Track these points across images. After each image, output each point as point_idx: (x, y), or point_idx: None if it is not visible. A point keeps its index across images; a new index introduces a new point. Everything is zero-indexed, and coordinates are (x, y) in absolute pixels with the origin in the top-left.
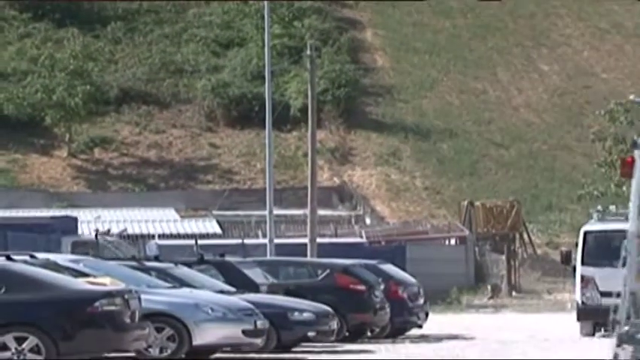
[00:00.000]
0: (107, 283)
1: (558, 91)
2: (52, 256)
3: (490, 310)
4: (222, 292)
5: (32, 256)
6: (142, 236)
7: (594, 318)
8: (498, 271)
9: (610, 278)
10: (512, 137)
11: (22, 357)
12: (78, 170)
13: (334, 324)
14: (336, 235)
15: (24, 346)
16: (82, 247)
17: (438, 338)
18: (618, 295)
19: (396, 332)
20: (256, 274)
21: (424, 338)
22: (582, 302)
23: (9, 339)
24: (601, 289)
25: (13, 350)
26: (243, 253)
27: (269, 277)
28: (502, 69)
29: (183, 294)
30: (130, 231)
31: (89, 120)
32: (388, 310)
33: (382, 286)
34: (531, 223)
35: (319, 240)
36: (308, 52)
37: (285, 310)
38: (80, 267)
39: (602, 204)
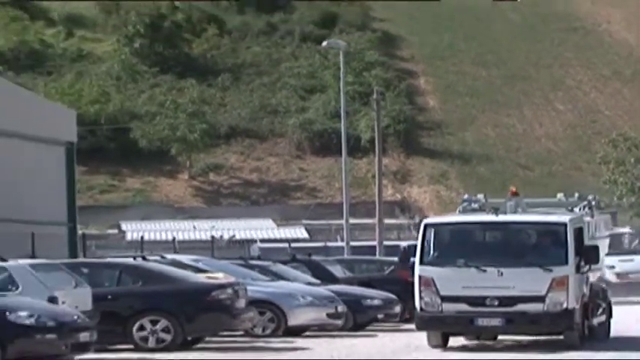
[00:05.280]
0: (221, 277)
1: (571, 125)
2: (178, 257)
3: None
4: (310, 284)
5: (162, 257)
6: (247, 241)
7: (434, 327)
8: None
9: (452, 280)
10: (535, 161)
11: (155, 335)
12: (196, 190)
13: (398, 308)
14: (398, 239)
15: (157, 327)
16: None
17: None
18: (460, 299)
19: None
20: (336, 270)
21: None
22: (421, 308)
23: (145, 321)
24: (442, 292)
25: (149, 330)
26: (326, 254)
27: (346, 272)
28: (527, 108)
29: (280, 285)
30: (237, 237)
31: (205, 150)
32: None
33: None
34: None
35: (385, 243)
36: (375, 96)
37: (359, 297)
38: (200, 265)
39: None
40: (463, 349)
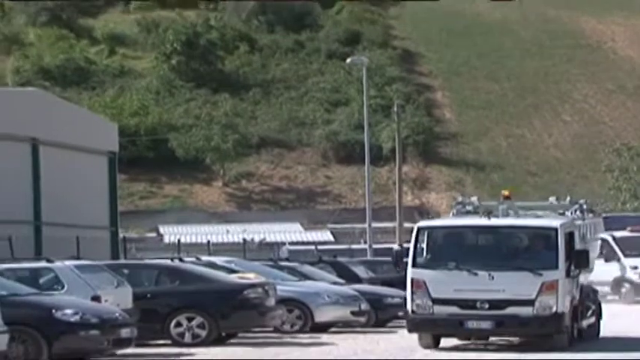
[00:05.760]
0: (252, 277)
1: (578, 135)
2: (212, 258)
3: None
4: (335, 283)
5: (198, 258)
6: (276, 243)
7: (426, 329)
8: None
9: (443, 283)
10: (544, 169)
11: (191, 331)
12: (229, 196)
13: None
14: None
15: (193, 323)
16: None
17: None
18: (451, 302)
19: None
20: (360, 270)
21: None
22: (412, 310)
23: (182, 318)
24: (433, 295)
25: (185, 326)
26: (350, 255)
27: (369, 272)
28: (537, 120)
29: (307, 285)
30: (267, 239)
31: (237, 159)
32: None
33: None
34: None
35: (406, 245)
36: (395, 108)
37: (381, 296)
38: (232, 266)
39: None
40: (475, 347)
